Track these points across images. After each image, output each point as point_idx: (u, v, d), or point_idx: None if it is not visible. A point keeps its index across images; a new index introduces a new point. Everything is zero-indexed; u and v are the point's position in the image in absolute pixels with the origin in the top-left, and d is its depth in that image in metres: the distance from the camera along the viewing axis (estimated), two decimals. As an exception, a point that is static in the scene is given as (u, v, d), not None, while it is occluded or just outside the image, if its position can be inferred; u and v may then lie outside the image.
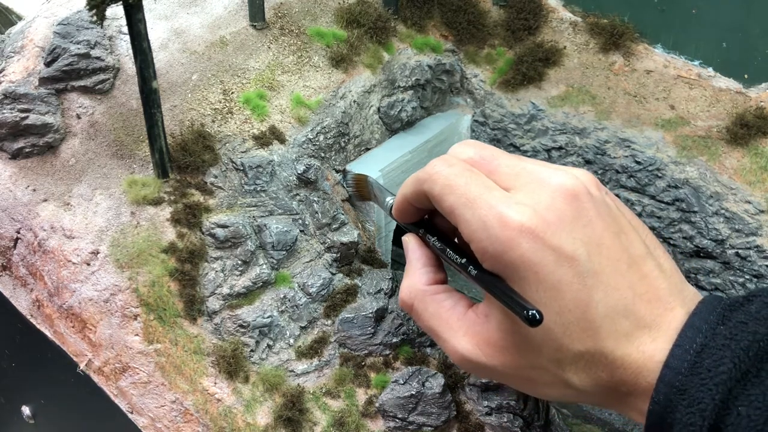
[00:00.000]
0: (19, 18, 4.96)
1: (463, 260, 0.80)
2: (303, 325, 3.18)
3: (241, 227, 3.17)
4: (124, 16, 2.75)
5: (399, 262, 5.18)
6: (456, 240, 0.86)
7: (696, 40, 3.58)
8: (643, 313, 0.75)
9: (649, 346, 0.74)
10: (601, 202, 0.79)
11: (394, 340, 3.14)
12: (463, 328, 0.82)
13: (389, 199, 1.01)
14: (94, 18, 2.62)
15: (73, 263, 3.04)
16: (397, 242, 4.90)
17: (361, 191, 1.12)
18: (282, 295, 3.19)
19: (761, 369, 0.69)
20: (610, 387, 0.77)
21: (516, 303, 0.72)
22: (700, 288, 3.48)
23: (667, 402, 0.71)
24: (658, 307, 0.76)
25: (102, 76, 3.34)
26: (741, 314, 0.73)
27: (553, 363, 0.77)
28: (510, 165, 0.81)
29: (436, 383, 2.91)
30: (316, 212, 3.55)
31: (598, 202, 0.79)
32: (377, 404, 2.94)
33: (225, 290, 3.08)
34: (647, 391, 0.75)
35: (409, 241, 0.90)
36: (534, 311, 0.69)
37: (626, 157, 3.51)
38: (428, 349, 3.14)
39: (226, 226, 3.14)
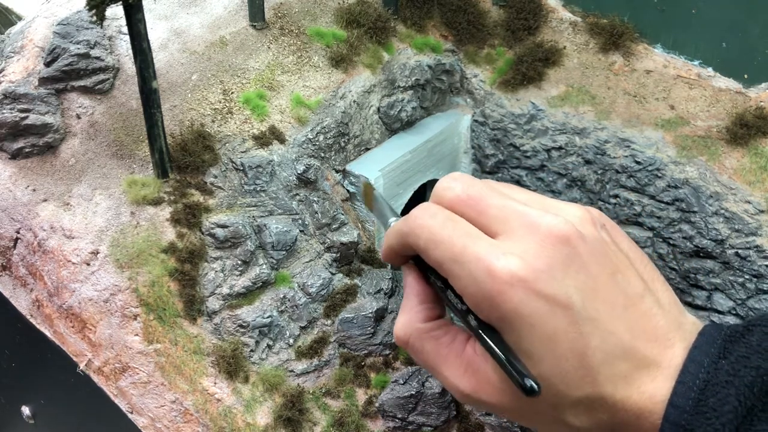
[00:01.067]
0: (19, 18, 4.96)
1: (464, 307, 0.78)
2: (303, 325, 3.18)
3: (241, 227, 3.17)
4: (124, 16, 2.75)
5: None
6: None
7: (696, 40, 3.57)
8: (642, 354, 0.75)
9: (649, 386, 0.74)
10: (596, 241, 0.77)
11: (394, 340, 3.15)
12: (462, 366, 0.81)
13: (392, 220, 1.00)
14: (94, 18, 2.61)
15: (73, 263, 3.03)
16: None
17: (368, 200, 1.10)
18: (282, 295, 3.18)
19: (767, 403, 0.69)
20: (612, 427, 0.77)
21: (514, 369, 0.71)
22: (700, 288, 3.48)
23: None
24: (657, 345, 0.75)
25: (102, 76, 3.34)
26: (742, 347, 0.72)
27: (552, 408, 0.76)
28: (499, 206, 0.78)
29: (436, 383, 2.90)
30: (316, 212, 3.54)
31: (591, 243, 0.76)
32: (377, 404, 2.93)
33: (225, 290, 3.08)
34: (652, 431, 0.74)
35: (409, 273, 0.89)
36: (532, 383, 0.68)
37: (626, 157, 3.50)
38: (428, 349, 3.14)
39: (226, 226, 3.14)
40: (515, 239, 0.76)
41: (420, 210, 0.82)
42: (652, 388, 0.74)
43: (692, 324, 0.79)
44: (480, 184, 0.81)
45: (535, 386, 0.69)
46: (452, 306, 0.81)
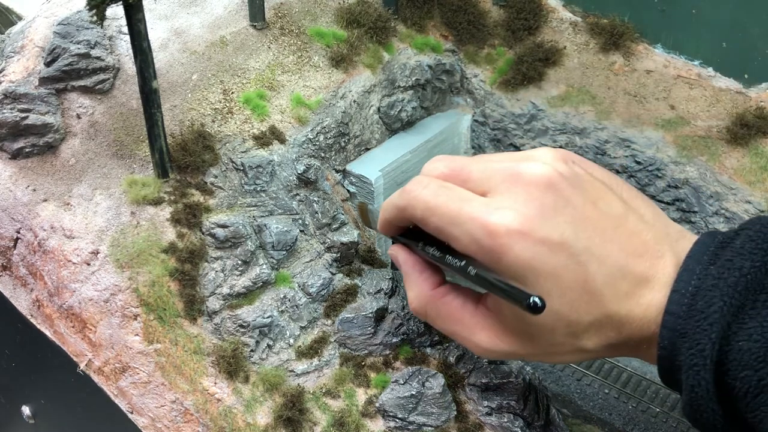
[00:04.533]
0: (19, 18, 4.97)
1: (462, 263, 0.81)
2: (303, 325, 3.18)
3: (241, 227, 3.17)
4: (124, 16, 2.75)
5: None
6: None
7: (696, 40, 3.58)
8: (637, 270, 0.78)
9: (647, 298, 0.77)
10: (572, 176, 0.81)
11: (394, 339, 3.14)
12: (479, 325, 0.85)
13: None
14: (94, 18, 2.62)
15: (73, 263, 3.04)
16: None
17: (365, 218, 1.15)
18: (282, 295, 3.19)
19: (756, 300, 0.70)
20: (620, 342, 0.81)
21: (516, 294, 0.73)
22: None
23: (672, 346, 0.74)
24: (648, 258, 0.78)
25: (102, 76, 3.35)
26: (728, 251, 0.74)
27: (569, 336, 0.80)
28: (481, 169, 0.83)
29: (436, 383, 2.91)
30: (316, 212, 3.55)
31: (569, 178, 0.80)
32: (377, 404, 2.94)
33: (225, 290, 3.09)
34: (655, 339, 0.77)
35: (398, 252, 0.93)
36: (535, 298, 0.71)
37: (626, 157, 3.51)
38: (428, 349, 3.14)
39: (226, 226, 3.15)
40: (502, 193, 0.79)
41: (413, 183, 0.87)
42: (649, 299, 0.79)
43: (678, 231, 0.82)
44: (460, 157, 0.87)
45: (538, 301, 0.72)
46: (452, 267, 0.84)
